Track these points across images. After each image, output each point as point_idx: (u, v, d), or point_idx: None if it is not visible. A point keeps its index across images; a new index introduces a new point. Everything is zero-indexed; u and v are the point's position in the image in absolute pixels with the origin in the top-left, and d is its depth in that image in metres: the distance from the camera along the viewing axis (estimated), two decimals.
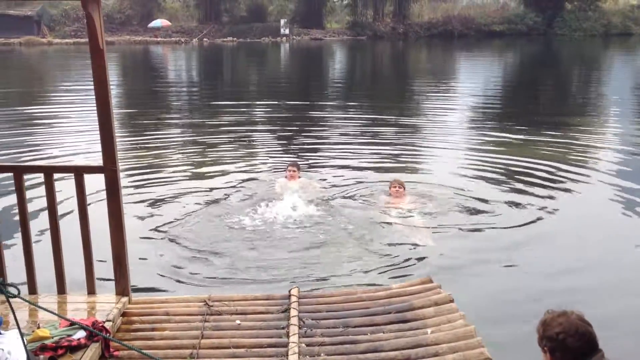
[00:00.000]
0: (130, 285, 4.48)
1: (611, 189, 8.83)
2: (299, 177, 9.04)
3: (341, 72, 34.21)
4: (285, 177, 9.08)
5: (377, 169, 10.13)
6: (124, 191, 4.46)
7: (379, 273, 5.97)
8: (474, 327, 3.94)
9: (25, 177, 4.47)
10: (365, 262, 6.22)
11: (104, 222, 4.34)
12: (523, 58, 40.21)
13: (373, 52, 47.85)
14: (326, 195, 8.55)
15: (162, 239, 6.88)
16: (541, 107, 18.20)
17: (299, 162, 9.68)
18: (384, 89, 25.38)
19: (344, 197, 8.46)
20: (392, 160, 10.91)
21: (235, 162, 10.77)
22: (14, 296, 2.46)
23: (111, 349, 3.80)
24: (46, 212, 4.39)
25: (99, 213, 4.70)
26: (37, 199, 6.39)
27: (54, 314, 3.36)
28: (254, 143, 12.99)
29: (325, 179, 9.52)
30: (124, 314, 4.27)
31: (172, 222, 7.42)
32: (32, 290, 4.42)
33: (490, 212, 7.77)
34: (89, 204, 4.49)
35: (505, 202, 8.16)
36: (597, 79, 27.05)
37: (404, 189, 8.23)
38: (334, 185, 9.13)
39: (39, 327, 3.79)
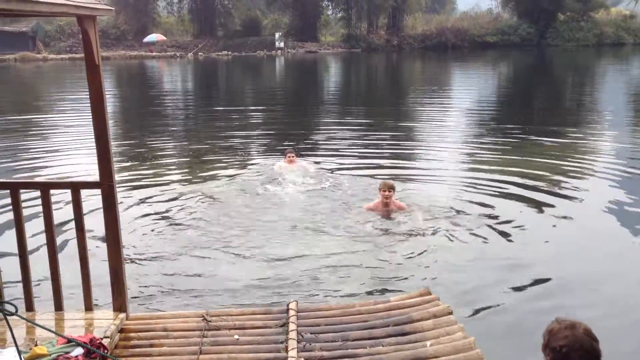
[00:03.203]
0: (127, 301, 4.46)
1: (608, 198, 8.80)
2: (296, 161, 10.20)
3: (336, 83, 34.37)
4: (285, 161, 10.20)
5: (370, 172, 10.45)
6: (120, 206, 4.45)
7: (377, 285, 5.95)
8: (474, 339, 3.93)
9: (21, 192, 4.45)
10: (363, 275, 6.19)
11: (101, 238, 4.32)
12: (517, 68, 40.42)
13: (368, 64, 48.08)
14: (322, 185, 9.26)
15: (159, 254, 6.85)
16: (535, 116, 18.27)
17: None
18: (378, 98, 25.56)
19: (341, 200, 8.64)
20: (387, 166, 11.10)
21: (230, 170, 10.91)
22: (12, 314, 2.44)
23: None
24: (43, 228, 4.36)
25: (96, 229, 4.68)
26: (33, 213, 6.38)
27: (52, 331, 3.34)
28: (248, 151, 13.13)
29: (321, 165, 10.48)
30: (121, 331, 4.25)
31: (169, 236, 7.40)
32: (29, 307, 4.39)
33: (487, 222, 7.74)
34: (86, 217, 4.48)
35: (502, 212, 8.13)
36: (591, 88, 27.20)
37: (394, 191, 8.00)
38: (330, 187, 9.37)
39: (36, 345, 3.76)
